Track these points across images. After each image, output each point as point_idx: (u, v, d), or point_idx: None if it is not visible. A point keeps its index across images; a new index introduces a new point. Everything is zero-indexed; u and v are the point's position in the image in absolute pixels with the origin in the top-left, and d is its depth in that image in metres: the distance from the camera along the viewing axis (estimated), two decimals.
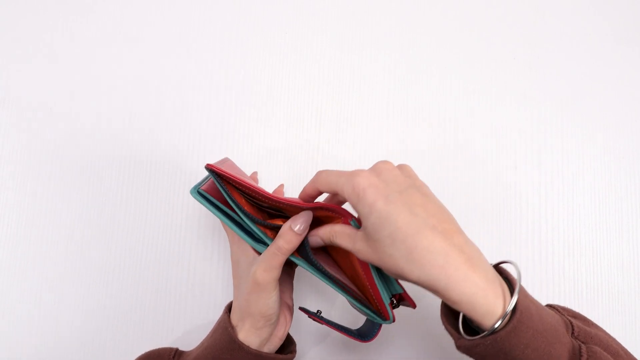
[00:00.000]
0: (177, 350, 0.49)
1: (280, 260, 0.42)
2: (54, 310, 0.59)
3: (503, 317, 0.33)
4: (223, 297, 0.59)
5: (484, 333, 0.34)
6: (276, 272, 0.42)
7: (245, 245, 0.45)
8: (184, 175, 0.62)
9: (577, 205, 0.62)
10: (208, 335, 0.48)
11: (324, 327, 0.58)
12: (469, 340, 0.35)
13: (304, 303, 0.60)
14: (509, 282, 0.36)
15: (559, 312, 0.41)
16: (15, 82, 0.64)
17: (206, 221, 0.61)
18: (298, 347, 0.52)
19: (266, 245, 0.42)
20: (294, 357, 0.48)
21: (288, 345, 0.49)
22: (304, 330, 0.59)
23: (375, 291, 0.41)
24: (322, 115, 0.63)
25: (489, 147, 0.63)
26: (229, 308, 0.47)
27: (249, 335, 0.44)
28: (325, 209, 0.42)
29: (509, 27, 0.66)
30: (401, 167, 0.40)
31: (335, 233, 0.41)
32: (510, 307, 0.33)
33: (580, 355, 0.35)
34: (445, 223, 0.36)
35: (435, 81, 0.65)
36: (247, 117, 0.63)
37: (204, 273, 0.60)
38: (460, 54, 0.65)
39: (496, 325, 0.33)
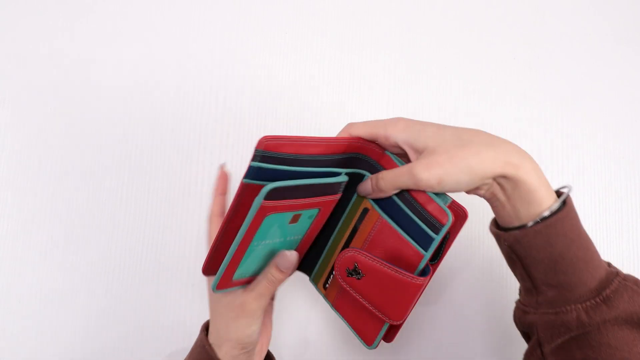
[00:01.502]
0: None
1: (272, 289, 0.42)
2: (54, 310, 0.59)
3: (558, 201, 0.37)
4: None
5: (537, 219, 0.37)
6: (265, 300, 0.43)
7: None
8: (184, 176, 0.62)
9: (577, 205, 0.62)
10: (187, 356, 0.47)
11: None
12: (519, 230, 0.38)
13: (299, 310, 0.60)
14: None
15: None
16: (15, 82, 0.64)
17: (206, 221, 0.61)
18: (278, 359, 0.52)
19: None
20: None
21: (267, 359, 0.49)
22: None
23: (430, 202, 0.41)
24: (322, 115, 0.63)
25: None
26: (205, 327, 0.47)
27: (225, 357, 0.43)
28: (364, 141, 0.43)
29: (509, 27, 0.66)
30: None
31: (394, 176, 0.40)
32: (564, 196, 0.37)
33: (617, 274, 0.38)
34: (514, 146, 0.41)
35: (435, 81, 0.65)
36: (247, 117, 0.63)
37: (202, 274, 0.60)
38: (460, 54, 0.65)
39: (554, 207, 0.37)
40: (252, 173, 0.39)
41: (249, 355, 0.44)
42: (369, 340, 0.43)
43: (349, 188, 0.45)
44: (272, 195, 0.37)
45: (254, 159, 0.39)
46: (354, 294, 0.42)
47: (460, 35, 0.66)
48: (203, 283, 0.60)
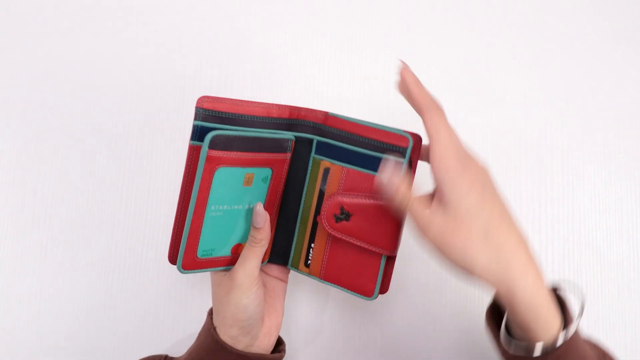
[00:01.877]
0: (166, 356, 0.48)
1: (255, 253, 0.42)
2: (54, 310, 0.59)
3: (564, 335, 0.33)
4: None
5: (542, 348, 0.34)
6: (250, 266, 0.42)
7: None
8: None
9: (577, 205, 0.62)
10: (194, 342, 0.47)
11: (316, 326, 0.58)
12: (519, 357, 0.35)
13: (299, 310, 0.60)
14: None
15: (595, 347, 0.41)
16: (15, 81, 0.64)
17: None
18: (288, 347, 0.52)
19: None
20: (282, 357, 0.47)
21: (277, 345, 0.49)
22: (294, 329, 0.59)
23: (387, 134, 0.43)
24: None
25: (489, 147, 0.63)
26: (212, 311, 0.47)
27: (225, 338, 0.43)
28: (308, 111, 0.45)
29: (509, 27, 0.66)
30: (483, 165, 0.41)
31: (411, 202, 0.38)
32: (573, 329, 0.34)
33: None
34: (521, 234, 0.37)
35: (435, 81, 0.65)
36: None
37: (203, 273, 0.60)
38: (460, 54, 0.65)
39: (558, 343, 0.33)
40: (196, 133, 0.41)
41: (251, 337, 0.44)
42: (368, 292, 0.44)
43: (301, 156, 0.46)
44: (217, 143, 0.38)
45: (196, 117, 0.41)
46: (348, 239, 0.43)
47: (460, 35, 0.66)
48: (203, 283, 0.60)
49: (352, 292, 0.45)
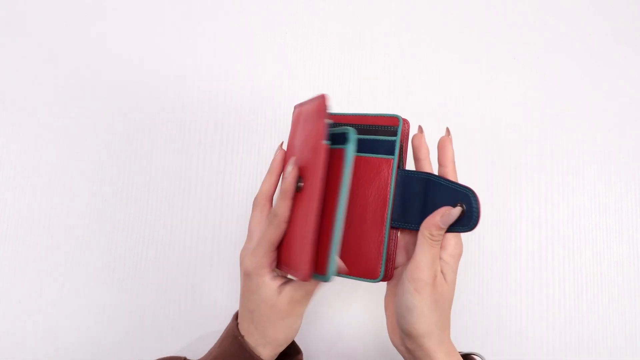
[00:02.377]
0: (185, 358, 0.47)
1: (269, 235, 0.40)
2: (54, 310, 0.59)
3: None
4: (223, 298, 0.59)
5: None
6: (267, 252, 0.40)
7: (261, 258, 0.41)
8: (184, 175, 0.62)
9: (577, 205, 0.62)
10: (216, 343, 0.45)
11: (333, 334, 0.59)
12: None
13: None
14: None
15: None
16: (15, 82, 0.64)
17: (206, 221, 0.61)
18: (306, 354, 0.52)
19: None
20: None
21: (294, 354, 0.47)
22: (312, 337, 0.59)
23: (378, 118, 0.46)
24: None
25: (489, 147, 0.63)
26: (236, 316, 0.45)
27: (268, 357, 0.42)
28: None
29: (509, 27, 0.66)
30: None
31: (438, 244, 0.43)
32: None
33: None
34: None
35: (435, 81, 0.65)
36: (247, 117, 0.63)
37: (203, 273, 0.60)
38: (460, 54, 0.65)
39: None
40: (330, 135, 0.40)
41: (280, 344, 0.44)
42: (374, 274, 0.45)
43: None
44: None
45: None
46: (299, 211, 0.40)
47: (460, 35, 0.66)
48: (203, 283, 0.60)
49: (361, 279, 0.45)
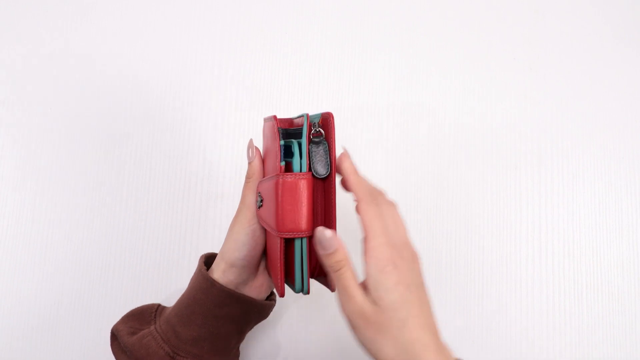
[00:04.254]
0: (159, 305, 0.49)
1: (248, 187, 0.45)
2: (54, 309, 0.59)
3: None
4: None
5: None
6: (248, 200, 0.44)
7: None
8: (184, 175, 0.62)
9: (577, 205, 0.62)
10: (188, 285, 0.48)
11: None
12: None
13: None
14: None
15: None
16: (15, 82, 0.64)
17: (206, 221, 0.61)
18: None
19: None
20: (272, 305, 0.48)
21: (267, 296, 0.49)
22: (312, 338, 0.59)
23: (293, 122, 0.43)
24: None
25: (489, 147, 0.63)
26: (205, 257, 0.48)
27: (222, 276, 0.44)
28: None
29: (509, 27, 0.66)
30: (415, 257, 0.40)
31: (345, 269, 0.38)
32: None
33: None
34: (435, 324, 0.38)
35: (435, 81, 0.65)
36: (247, 117, 0.63)
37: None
38: (460, 54, 0.65)
39: None
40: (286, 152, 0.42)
41: (242, 280, 0.45)
42: (277, 288, 0.41)
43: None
44: None
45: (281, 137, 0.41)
46: (262, 223, 0.43)
47: (460, 35, 0.66)
48: None
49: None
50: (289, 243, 0.40)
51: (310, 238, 0.40)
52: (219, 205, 0.61)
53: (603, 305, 0.60)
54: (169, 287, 0.60)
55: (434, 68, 0.65)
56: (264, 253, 0.46)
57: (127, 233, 0.61)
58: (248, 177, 0.45)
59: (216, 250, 0.60)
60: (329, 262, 0.38)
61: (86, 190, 0.61)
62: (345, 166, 0.40)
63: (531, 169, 0.63)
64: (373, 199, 0.39)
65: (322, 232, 0.38)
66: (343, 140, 0.63)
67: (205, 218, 0.61)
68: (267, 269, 0.47)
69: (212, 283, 0.44)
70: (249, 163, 0.45)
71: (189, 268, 0.60)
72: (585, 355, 0.59)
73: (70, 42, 0.65)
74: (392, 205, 0.40)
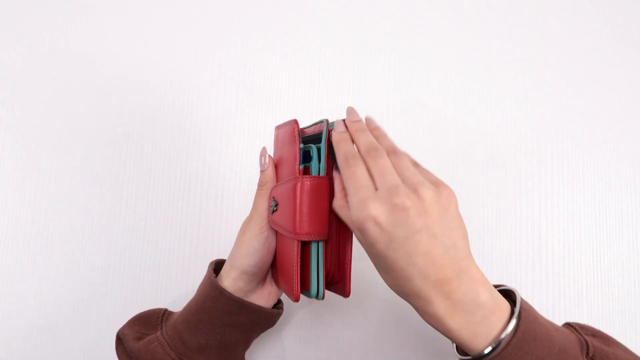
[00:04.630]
0: (166, 310, 0.49)
1: (261, 195, 0.45)
2: (54, 309, 0.59)
3: (479, 357, 0.34)
4: None
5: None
6: (259, 207, 0.44)
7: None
8: (184, 175, 0.62)
9: (577, 205, 0.62)
10: (196, 292, 0.48)
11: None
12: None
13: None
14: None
15: (576, 330, 0.40)
16: (15, 81, 0.64)
17: (206, 221, 0.61)
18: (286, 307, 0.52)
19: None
20: (280, 313, 0.48)
21: (275, 304, 0.49)
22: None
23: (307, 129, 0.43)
24: (322, 115, 0.63)
25: (489, 147, 0.63)
26: (214, 263, 0.48)
27: (232, 284, 0.44)
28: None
29: (509, 27, 0.66)
30: (438, 186, 0.37)
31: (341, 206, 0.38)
32: (487, 350, 0.33)
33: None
34: (444, 270, 0.34)
35: (435, 81, 0.65)
36: (248, 117, 0.63)
37: (203, 273, 0.60)
38: (460, 54, 0.65)
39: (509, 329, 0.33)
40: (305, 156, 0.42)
41: (250, 288, 0.45)
42: (290, 293, 0.41)
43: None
44: None
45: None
46: (277, 228, 0.42)
47: (460, 35, 0.66)
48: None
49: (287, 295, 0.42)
50: (303, 248, 0.40)
51: (326, 242, 0.40)
52: (219, 205, 0.61)
53: (603, 305, 0.60)
54: (168, 287, 0.60)
55: (434, 68, 0.65)
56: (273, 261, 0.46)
57: (127, 233, 0.61)
58: (261, 185, 0.45)
59: (215, 250, 0.60)
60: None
61: (86, 190, 0.61)
62: (334, 139, 0.40)
63: (531, 169, 0.63)
64: (347, 160, 0.37)
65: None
66: None
67: (205, 218, 0.61)
68: (273, 276, 0.47)
69: (221, 291, 0.44)
70: (262, 171, 0.46)
71: (188, 268, 0.60)
72: None
73: (70, 42, 0.65)
74: (377, 154, 0.37)
